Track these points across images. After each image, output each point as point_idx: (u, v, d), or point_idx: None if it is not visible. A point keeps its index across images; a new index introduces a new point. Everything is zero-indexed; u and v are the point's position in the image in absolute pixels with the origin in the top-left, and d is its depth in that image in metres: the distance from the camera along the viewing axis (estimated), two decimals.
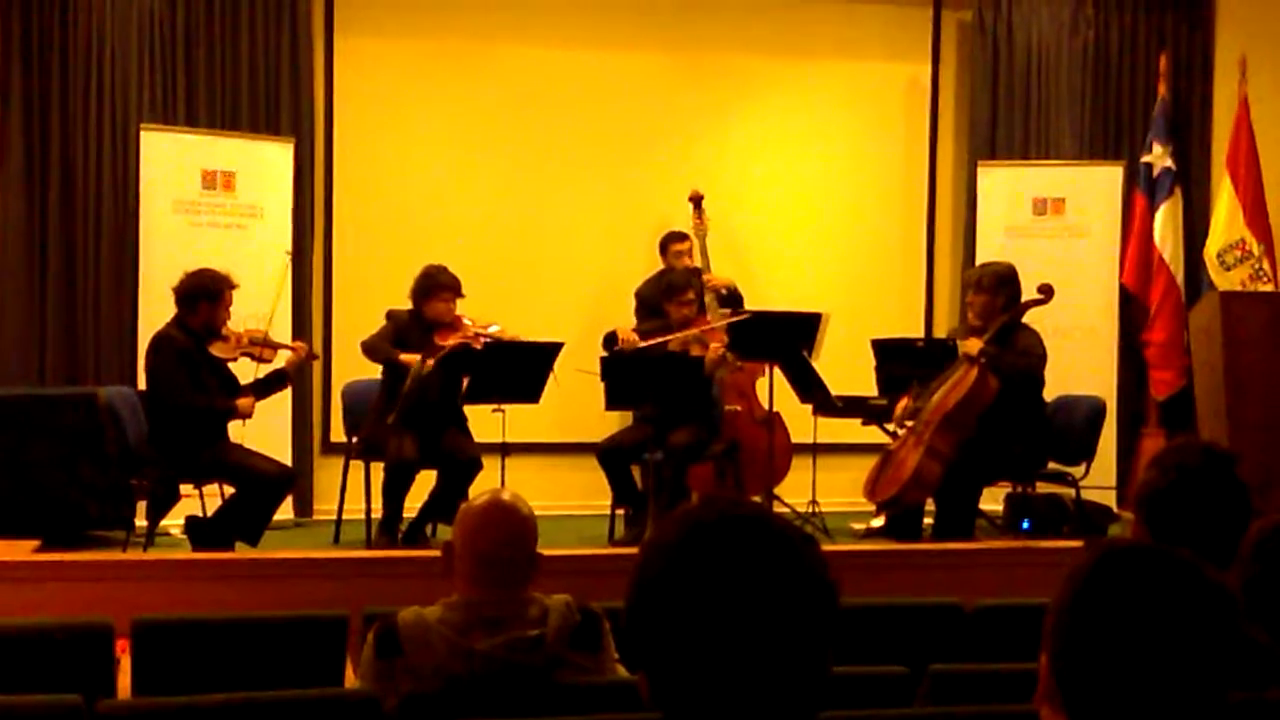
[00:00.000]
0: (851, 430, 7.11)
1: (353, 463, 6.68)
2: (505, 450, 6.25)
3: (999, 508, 6.90)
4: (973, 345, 6.28)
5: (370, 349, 6.46)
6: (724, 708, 1.24)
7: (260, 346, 6.29)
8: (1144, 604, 1.37)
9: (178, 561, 5.33)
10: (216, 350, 6.11)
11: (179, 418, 5.95)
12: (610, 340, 6.82)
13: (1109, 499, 7.39)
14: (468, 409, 6.47)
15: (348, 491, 6.69)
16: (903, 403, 6.49)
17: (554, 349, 6.28)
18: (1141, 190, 8.04)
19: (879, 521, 6.76)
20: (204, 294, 6.01)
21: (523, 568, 2.71)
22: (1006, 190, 8.09)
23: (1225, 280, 7.66)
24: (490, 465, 6.27)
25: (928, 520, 6.54)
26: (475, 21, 7.92)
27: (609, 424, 7.03)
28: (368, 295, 7.17)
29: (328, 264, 7.77)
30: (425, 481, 6.42)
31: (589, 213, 8.02)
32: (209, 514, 6.14)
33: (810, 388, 6.70)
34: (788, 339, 6.61)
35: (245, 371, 6.27)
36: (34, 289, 7.24)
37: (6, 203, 7.19)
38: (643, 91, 8.12)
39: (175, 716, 2.62)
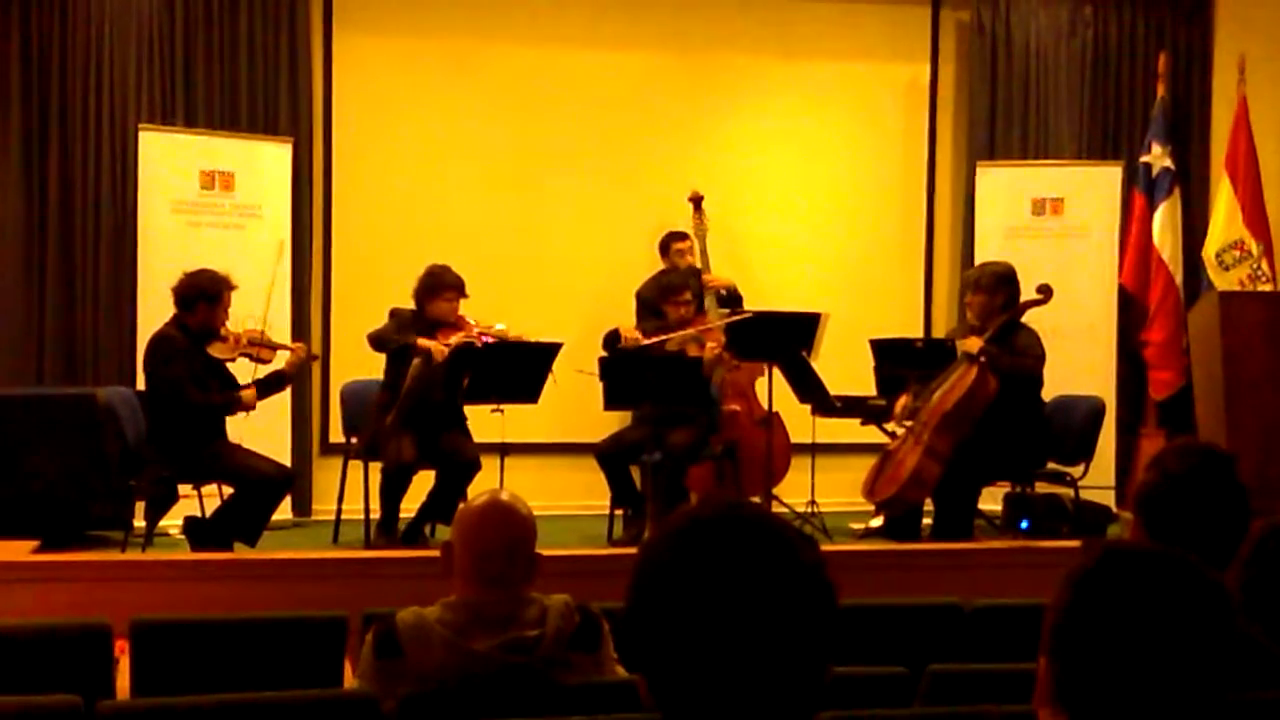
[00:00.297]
0: (850, 430, 7.11)
1: (351, 463, 6.68)
2: (504, 450, 6.24)
3: (998, 508, 6.90)
4: (972, 345, 6.28)
5: (379, 338, 6.45)
6: (723, 708, 1.24)
7: (259, 347, 6.28)
8: (1143, 605, 1.37)
9: (176, 562, 5.33)
10: (215, 351, 6.10)
11: (178, 418, 5.94)
12: (613, 338, 6.82)
13: (1108, 499, 7.39)
14: (467, 409, 6.47)
15: (346, 492, 6.69)
16: (902, 400, 6.50)
17: (553, 349, 6.28)
18: (1140, 190, 8.05)
19: (878, 521, 6.76)
20: (203, 295, 6.00)
21: (522, 568, 2.70)
22: (1005, 190, 8.09)
23: (1224, 280, 7.67)
24: (489, 465, 6.27)
25: (926, 520, 6.54)
26: (474, 21, 7.92)
27: (608, 424, 7.03)
28: (367, 295, 7.16)
29: (326, 264, 7.77)
30: (424, 481, 6.42)
31: (588, 213, 8.02)
32: (208, 514, 6.14)
33: (809, 388, 6.70)
34: (786, 339, 6.61)
35: (244, 372, 6.27)
36: (33, 289, 7.24)
37: (5, 203, 7.19)
38: (642, 91, 8.12)
39: (174, 717, 2.62)
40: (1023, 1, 8.30)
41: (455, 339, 6.32)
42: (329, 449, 7.56)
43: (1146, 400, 8.09)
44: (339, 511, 6.73)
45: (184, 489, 6.20)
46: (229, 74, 7.55)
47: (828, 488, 7.37)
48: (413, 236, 7.61)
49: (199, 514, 6.18)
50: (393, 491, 6.30)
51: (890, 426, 6.66)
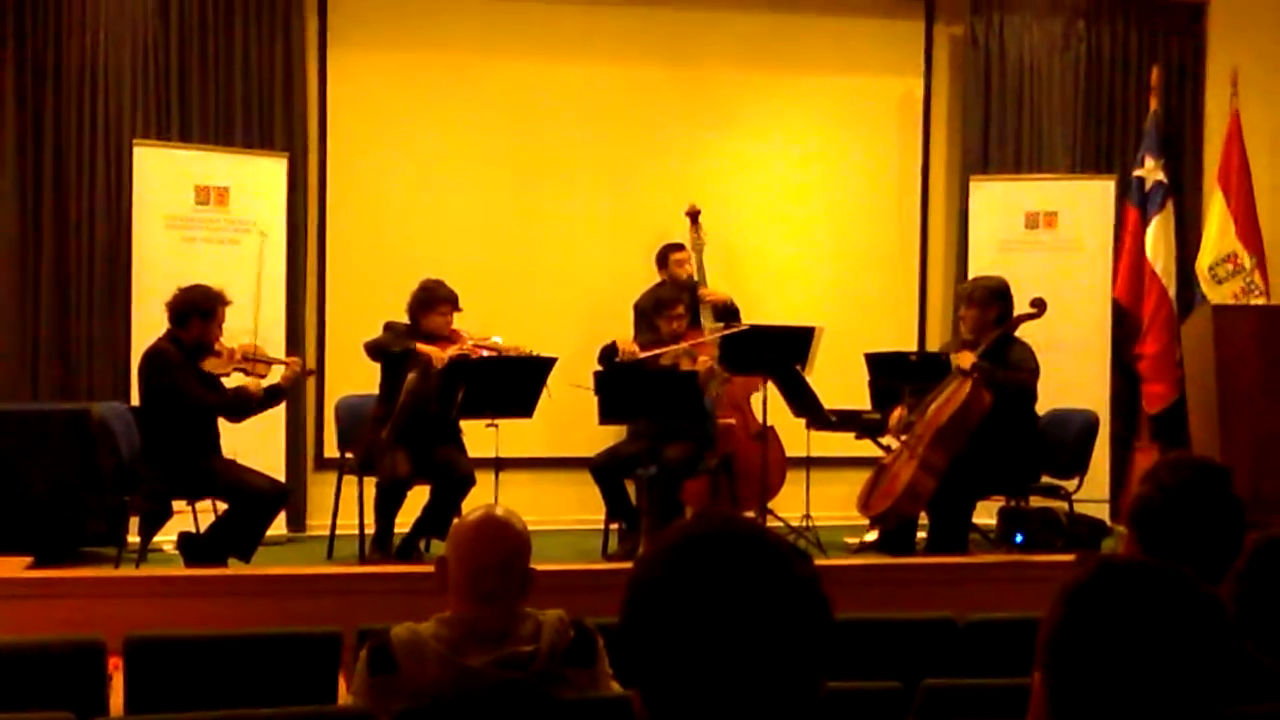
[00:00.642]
0: (845, 444, 7.11)
1: (346, 478, 6.67)
2: (499, 465, 6.24)
3: (992, 521, 6.90)
4: (966, 359, 6.29)
5: (377, 346, 6.44)
6: None
7: (254, 362, 6.28)
8: (1136, 619, 1.37)
9: (170, 578, 5.32)
10: (209, 366, 6.09)
11: (172, 433, 5.94)
12: (610, 351, 6.82)
13: (1102, 512, 7.38)
14: (462, 424, 6.47)
15: (341, 507, 6.69)
16: (896, 413, 6.50)
17: (547, 363, 6.28)
18: (1133, 204, 8.07)
19: (872, 536, 6.76)
20: (196, 310, 6.00)
21: (516, 583, 2.70)
22: (999, 204, 8.11)
23: (1217, 293, 7.69)
24: (484, 480, 6.26)
25: (921, 534, 6.54)
26: (470, 35, 7.94)
27: (603, 438, 7.02)
28: (362, 310, 7.16)
29: (321, 279, 7.77)
30: (419, 497, 6.41)
31: (585, 227, 8.03)
32: (202, 530, 6.13)
33: (803, 402, 6.70)
34: (781, 353, 6.61)
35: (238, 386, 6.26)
36: (27, 304, 7.23)
37: (0, 217, 7.19)
38: (637, 105, 8.14)
39: None
40: (1016, 16, 8.33)
41: (451, 351, 6.33)
42: (323, 464, 7.55)
43: (1140, 414, 8.10)
44: (333, 527, 6.72)
45: (178, 505, 6.19)
46: (224, 88, 7.55)
47: (822, 502, 7.36)
48: (408, 250, 7.61)
49: (193, 530, 6.16)
50: (387, 506, 6.29)
51: (885, 440, 6.66)
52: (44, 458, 6.46)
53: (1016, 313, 6.45)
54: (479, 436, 6.37)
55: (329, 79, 7.78)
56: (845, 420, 6.89)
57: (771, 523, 6.73)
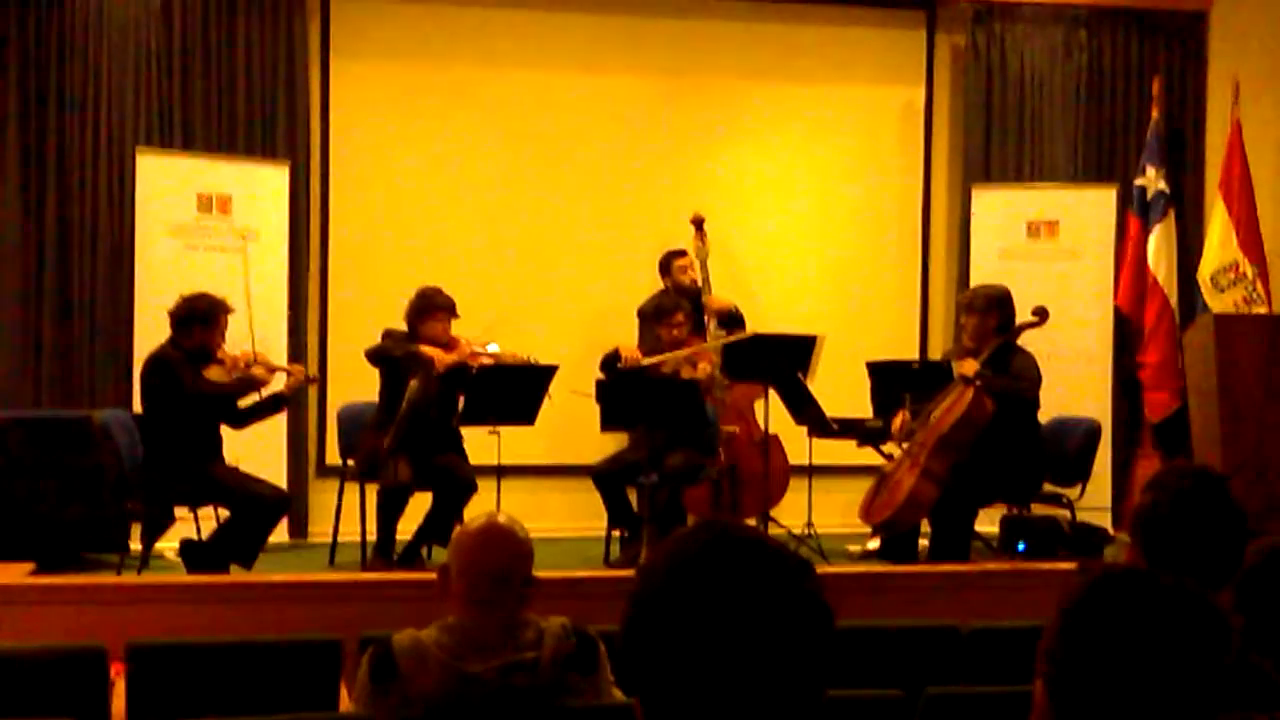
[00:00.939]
0: (847, 452, 7.11)
1: (348, 485, 6.67)
2: (500, 472, 6.24)
3: (994, 530, 6.90)
4: (968, 367, 6.29)
5: (378, 352, 6.45)
6: None
7: (256, 368, 6.27)
8: (1137, 628, 1.38)
9: (172, 585, 5.32)
10: (211, 374, 6.09)
11: (174, 440, 5.94)
12: (613, 359, 6.82)
13: (1104, 521, 7.38)
14: (463, 431, 6.47)
15: (343, 514, 6.69)
16: (900, 417, 6.50)
17: (549, 371, 6.29)
18: (1135, 213, 8.07)
19: (874, 544, 6.75)
20: (198, 318, 6.00)
21: (518, 590, 2.70)
22: (1000, 213, 8.11)
23: (1219, 302, 7.68)
24: (485, 487, 6.26)
25: (923, 542, 6.54)
26: (472, 45, 7.95)
27: (604, 446, 7.03)
28: (364, 317, 7.16)
29: (323, 287, 7.77)
30: (420, 504, 6.41)
31: (587, 235, 8.04)
32: (204, 537, 6.13)
33: (805, 410, 6.70)
34: (783, 361, 6.61)
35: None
36: (30, 312, 7.24)
37: (2, 225, 7.19)
38: (639, 115, 8.15)
39: None
40: (1017, 25, 8.35)
41: (451, 358, 6.34)
42: (325, 471, 7.55)
43: (1142, 422, 8.10)
44: (335, 534, 6.73)
45: (180, 511, 6.20)
46: (227, 97, 7.57)
47: (824, 510, 7.36)
48: (410, 259, 7.62)
49: (195, 537, 6.16)
50: (389, 513, 6.29)
51: (887, 448, 6.65)
52: (46, 465, 6.46)
53: (1018, 321, 6.45)
54: (481, 443, 6.37)
55: (331, 88, 7.79)
56: (847, 428, 6.89)
57: (773, 530, 6.73)
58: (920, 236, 8.43)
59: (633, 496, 6.83)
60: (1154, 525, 2.56)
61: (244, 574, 5.76)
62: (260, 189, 7.40)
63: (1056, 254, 8.04)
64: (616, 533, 6.80)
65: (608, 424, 6.44)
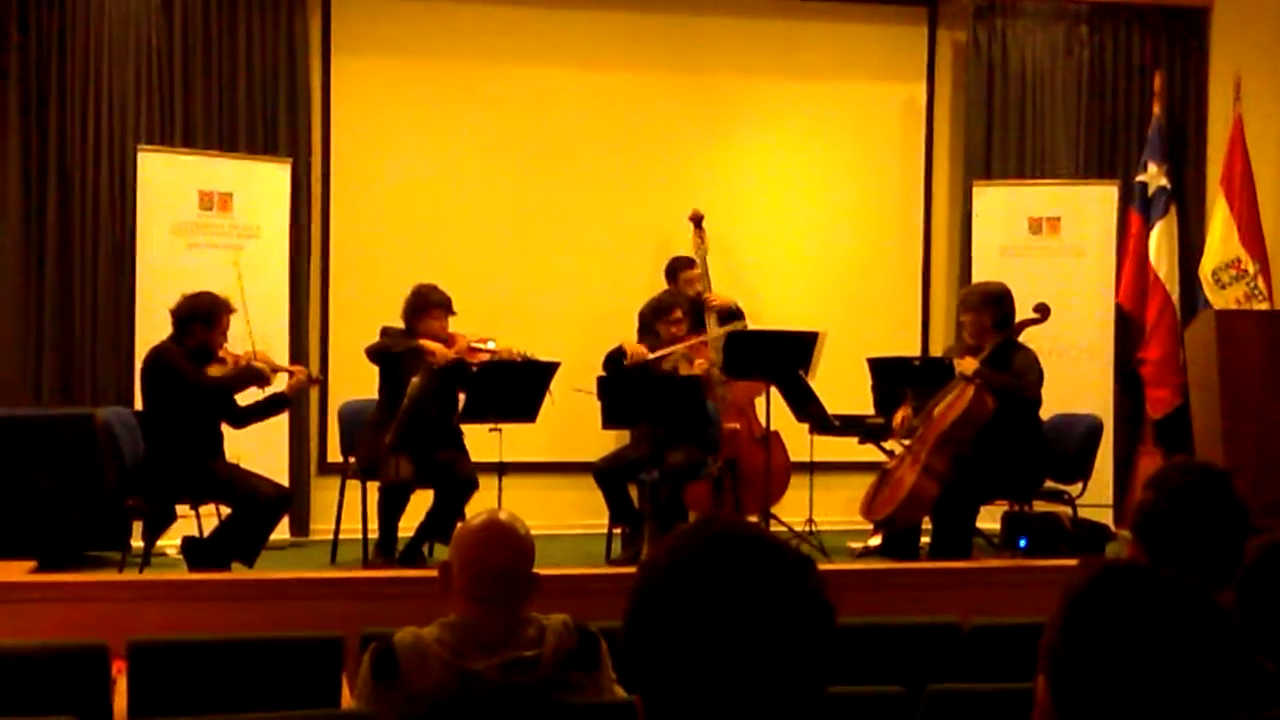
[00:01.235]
0: (848, 449, 7.11)
1: (349, 483, 6.68)
2: (502, 469, 6.24)
3: (996, 526, 6.90)
4: (968, 365, 6.29)
5: (379, 349, 6.45)
6: None
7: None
8: (1139, 624, 1.37)
9: (174, 582, 5.31)
10: (213, 373, 6.09)
11: (175, 437, 5.94)
12: (618, 356, 6.82)
13: (1106, 517, 7.38)
14: (465, 429, 6.47)
15: (344, 511, 6.69)
16: (901, 412, 6.50)
17: (550, 368, 6.29)
18: (1137, 209, 8.07)
19: (876, 540, 6.75)
20: (199, 317, 6.00)
21: (520, 588, 2.70)
22: (1002, 209, 8.11)
23: (1220, 299, 7.68)
24: (487, 484, 6.27)
25: (925, 539, 6.54)
26: (473, 42, 7.95)
27: (606, 443, 7.03)
28: (365, 315, 7.15)
29: (325, 284, 7.77)
30: (422, 501, 6.42)
31: (588, 232, 8.04)
32: (205, 534, 6.13)
33: (806, 406, 6.70)
34: (784, 358, 6.61)
35: (244, 395, 6.25)
36: (31, 309, 7.24)
37: (4, 223, 7.20)
38: (639, 112, 8.14)
39: None
40: (1019, 21, 8.34)
41: (451, 353, 6.36)
42: (327, 468, 7.55)
43: (1144, 418, 8.10)
44: (337, 531, 6.73)
45: (182, 509, 6.19)
46: (228, 94, 7.57)
47: (826, 506, 7.37)
48: (412, 256, 7.62)
49: (197, 534, 6.17)
50: (391, 511, 6.30)
51: (889, 445, 6.65)
52: (48, 462, 6.47)
53: (1020, 318, 6.45)
54: (482, 441, 6.37)
55: (333, 85, 7.79)
56: (848, 425, 6.89)
57: (775, 527, 6.73)
58: (921, 233, 8.43)
59: (634, 493, 6.83)
60: (1155, 522, 2.56)
61: (246, 572, 5.76)
62: (261, 186, 7.40)
63: (1058, 250, 8.04)
64: (618, 530, 6.80)
65: (609, 421, 6.44)
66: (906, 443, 6.41)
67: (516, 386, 6.28)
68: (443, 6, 7.93)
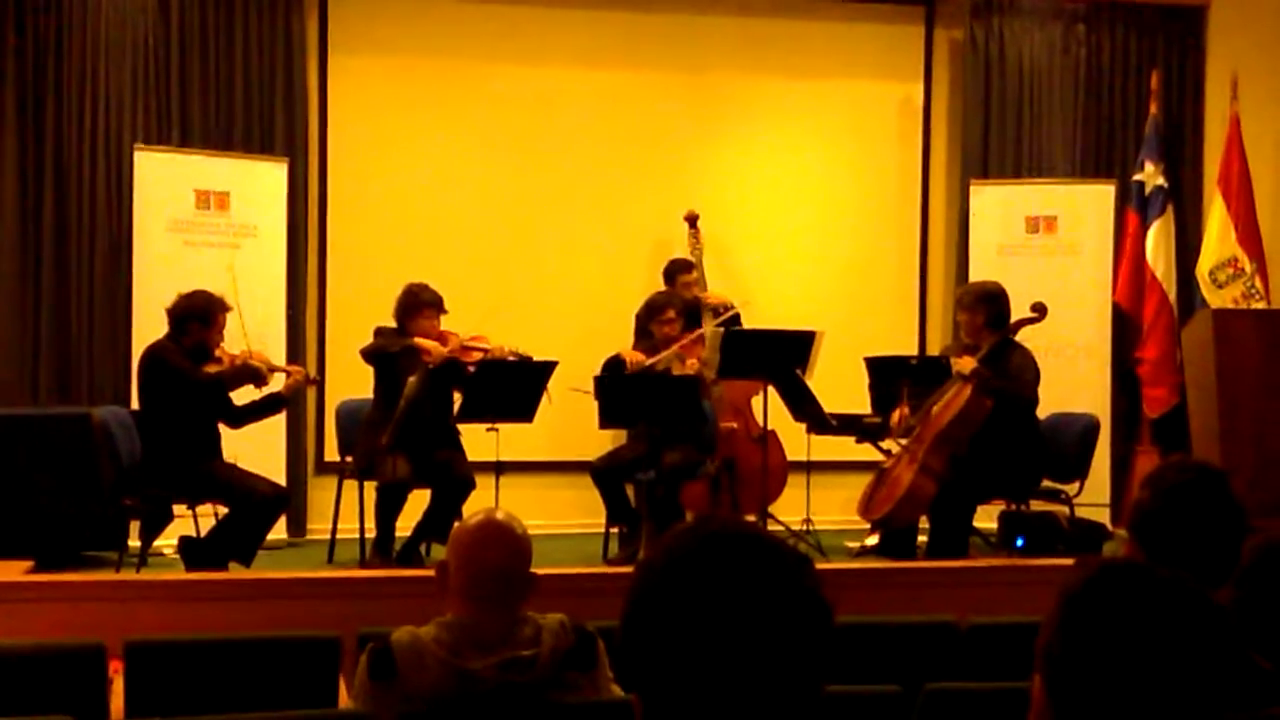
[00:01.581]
0: (845, 448, 7.11)
1: (346, 482, 6.67)
2: (499, 469, 6.24)
3: (993, 525, 6.90)
4: (965, 364, 6.29)
5: (374, 350, 6.45)
6: None
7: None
8: (1135, 622, 1.37)
9: (171, 582, 5.31)
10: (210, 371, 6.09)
11: (172, 437, 5.94)
12: (617, 364, 6.82)
13: (1103, 516, 7.39)
14: (462, 428, 6.47)
15: (341, 511, 6.69)
16: (899, 412, 6.50)
17: (547, 368, 6.29)
18: (1134, 208, 8.08)
19: (873, 540, 6.76)
20: (195, 316, 6.00)
21: (517, 587, 2.70)
22: (999, 208, 8.11)
23: (1217, 298, 7.69)
24: (484, 484, 6.26)
25: (922, 538, 6.54)
26: (470, 41, 7.94)
27: (603, 442, 7.03)
28: (362, 314, 7.14)
29: (321, 283, 7.77)
30: (419, 501, 6.42)
31: (584, 231, 8.03)
32: (202, 534, 6.13)
33: (803, 405, 6.70)
34: (781, 357, 6.61)
35: (240, 394, 6.24)
36: (28, 309, 7.24)
37: (1, 222, 7.19)
38: (637, 111, 8.14)
39: None
40: (1016, 20, 8.35)
41: (445, 351, 6.36)
42: (324, 468, 7.55)
43: (1141, 417, 8.11)
44: (334, 531, 6.73)
45: (179, 509, 6.19)
46: (224, 93, 7.56)
47: (823, 505, 7.37)
48: (408, 255, 7.62)
49: (194, 534, 6.16)
50: (388, 510, 6.29)
51: (886, 444, 6.66)
52: (45, 462, 6.46)
53: (1017, 317, 6.45)
54: (479, 440, 6.37)
55: (329, 84, 7.79)
56: (846, 424, 6.89)
57: (772, 526, 6.73)
58: (919, 232, 8.43)
59: (631, 493, 6.83)
60: (1152, 521, 2.56)
61: (243, 571, 5.75)
62: (258, 185, 7.40)
63: (1055, 249, 8.04)
64: (615, 529, 6.80)
65: (606, 421, 6.44)
66: (904, 442, 6.41)
67: (514, 386, 6.28)
68: (440, 6, 7.93)
